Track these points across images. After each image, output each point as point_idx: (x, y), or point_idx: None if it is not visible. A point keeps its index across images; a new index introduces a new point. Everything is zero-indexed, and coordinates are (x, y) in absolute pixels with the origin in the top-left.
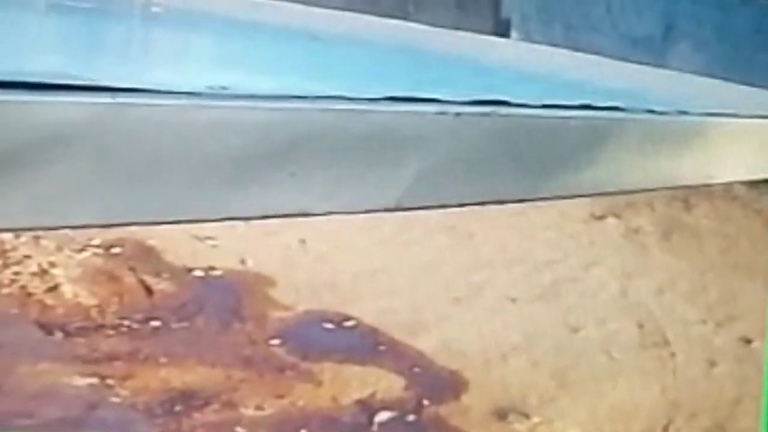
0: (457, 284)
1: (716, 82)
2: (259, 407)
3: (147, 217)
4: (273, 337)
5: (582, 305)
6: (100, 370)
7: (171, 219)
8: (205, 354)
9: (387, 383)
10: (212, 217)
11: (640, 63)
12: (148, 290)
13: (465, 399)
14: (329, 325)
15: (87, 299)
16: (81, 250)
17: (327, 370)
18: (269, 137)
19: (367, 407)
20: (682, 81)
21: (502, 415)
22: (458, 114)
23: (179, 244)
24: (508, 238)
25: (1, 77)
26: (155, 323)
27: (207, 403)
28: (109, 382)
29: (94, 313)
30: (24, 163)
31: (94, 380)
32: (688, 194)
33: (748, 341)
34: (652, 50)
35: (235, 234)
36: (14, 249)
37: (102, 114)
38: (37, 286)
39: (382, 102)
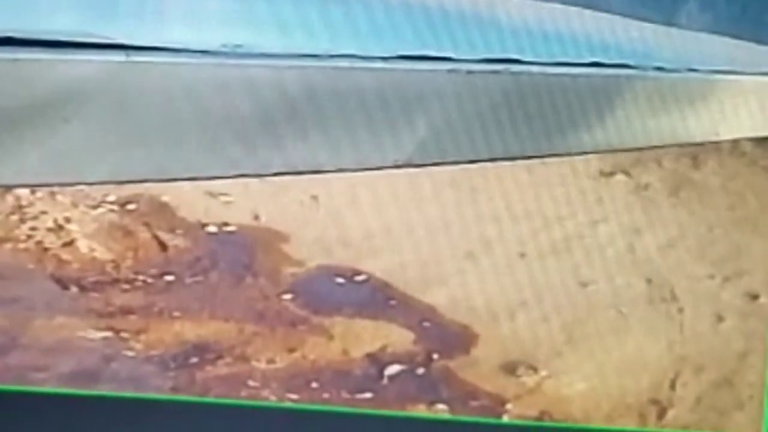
0: (468, 240)
1: (724, 40)
2: (270, 360)
3: (161, 173)
4: (285, 292)
5: (591, 261)
6: (115, 323)
7: (185, 176)
8: (218, 308)
9: (397, 337)
10: (226, 174)
11: (650, 21)
12: (163, 245)
13: (474, 353)
14: (340, 280)
15: (102, 254)
16: (96, 206)
17: (338, 324)
18: (282, 95)
19: (378, 360)
20: (691, 39)
21: (510, 368)
22: (470, 72)
23: (193, 201)
24: (518, 194)
25: (16, 35)
26: (169, 278)
27: (220, 357)
28: (124, 335)
29: (109, 267)
30: (40, 120)
31: (109, 334)
32: (696, 151)
33: (755, 296)
34: (661, 9)
35: (248, 191)
36: (30, 205)
37: (116, 71)
38: (53, 242)
39: (395, 60)
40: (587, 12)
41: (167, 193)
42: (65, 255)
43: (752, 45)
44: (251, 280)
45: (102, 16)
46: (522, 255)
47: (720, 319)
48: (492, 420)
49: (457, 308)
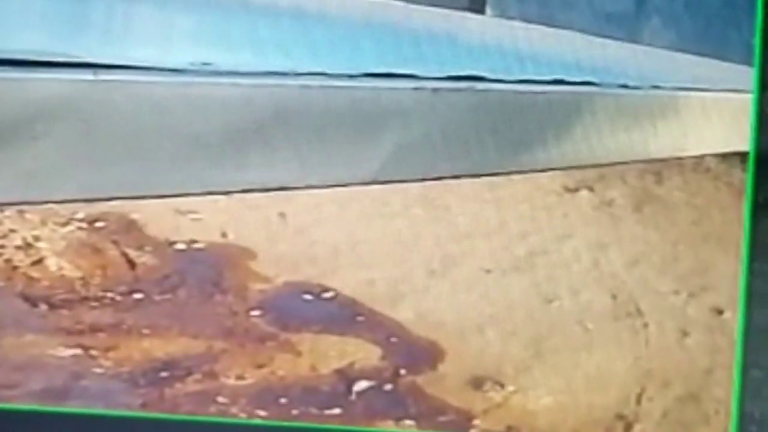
0: (434, 256)
1: (688, 56)
2: (239, 377)
3: (130, 191)
4: (253, 309)
5: (556, 276)
6: (84, 341)
7: (153, 193)
8: (187, 325)
9: (365, 353)
10: (194, 192)
11: (614, 38)
12: (131, 263)
13: (441, 368)
14: (308, 297)
15: (71, 272)
16: (65, 224)
17: (306, 340)
18: (250, 113)
19: (346, 377)
20: (655, 56)
21: (477, 384)
22: (435, 89)
23: (161, 218)
24: (484, 211)
25: None
26: (138, 295)
27: (189, 373)
28: (93, 353)
29: (78, 285)
30: (8, 139)
31: (78, 351)
32: (660, 167)
33: (720, 312)
34: (625, 26)
35: (216, 208)
36: None
37: (85, 90)
38: (21, 260)
39: (361, 78)
40: (551, 30)
41: (136, 211)
42: (34, 273)
43: (716, 62)
44: (220, 297)
45: (70, 35)
46: (488, 271)
47: (685, 334)
48: None
49: (424, 324)
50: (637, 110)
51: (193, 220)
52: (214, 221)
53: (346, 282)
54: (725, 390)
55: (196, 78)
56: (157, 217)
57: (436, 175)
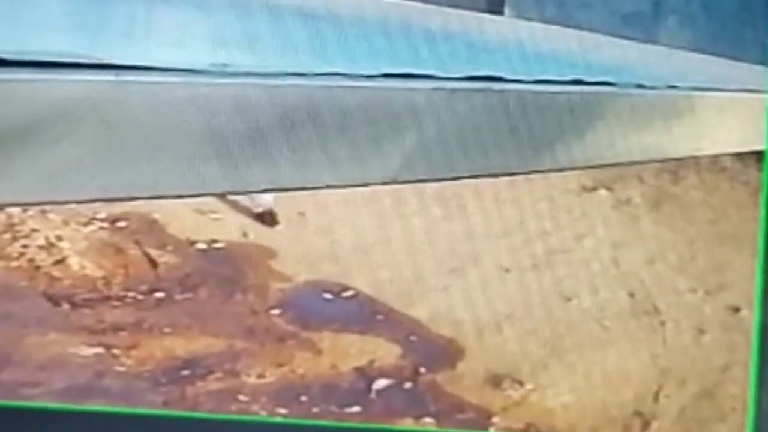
0: (453, 255)
1: (704, 56)
2: (260, 375)
3: (151, 191)
4: (274, 307)
5: (574, 275)
6: (106, 340)
7: (174, 193)
8: (207, 324)
9: (384, 351)
10: (215, 192)
11: (630, 39)
12: (153, 262)
13: (460, 367)
14: (328, 296)
15: (93, 271)
16: (87, 224)
17: (326, 338)
18: (270, 113)
19: (365, 375)
20: (671, 56)
21: (496, 382)
22: (453, 90)
23: (182, 218)
24: (502, 210)
25: (6, 56)
26: (159, 294)
27: (210, 372)
28: (115, 351)
29: (99, 284)
30: (31, 140)
31: (100, 350)
32: (676, 166)
33: (736, 309)
34: (641, 26)
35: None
36: (22, 223)
37: (106, 91)
38: (44, 259)
39: (379, 78)
40: (568, 30)
41: (157, 211)
42: (57, 272)
43: (732, 62)
44: (240, 296)
45: (92, 37)
46: (507, 270)
47: (702, 332)
48: None
49: (443, 322)
50: (653, 110)
51: (214, 219)
52: (234, 221)
53: (365, 281)
54: (741, 387)
55: (217, 79)
56: (178, 217)
57: (454, 175)
